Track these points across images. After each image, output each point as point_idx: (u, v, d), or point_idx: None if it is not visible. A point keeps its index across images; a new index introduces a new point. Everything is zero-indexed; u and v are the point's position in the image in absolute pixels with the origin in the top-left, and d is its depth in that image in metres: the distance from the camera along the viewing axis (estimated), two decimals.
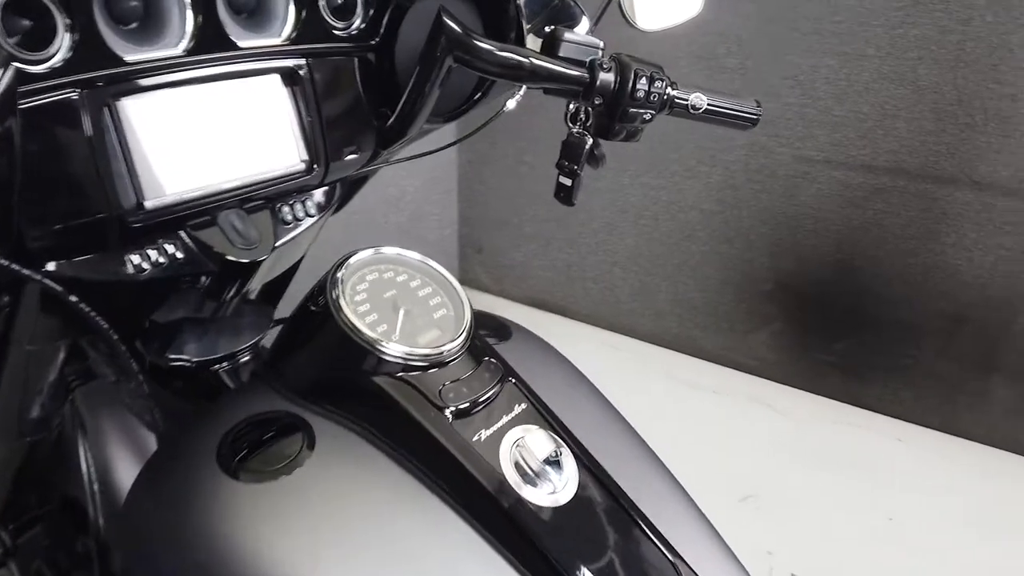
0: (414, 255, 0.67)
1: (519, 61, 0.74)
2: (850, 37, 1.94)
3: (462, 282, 2.99)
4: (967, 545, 1.74)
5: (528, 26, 0.99)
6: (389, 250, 0.65)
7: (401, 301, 0.61)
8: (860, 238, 2.10)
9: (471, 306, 0.65)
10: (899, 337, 2.14)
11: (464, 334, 0.62)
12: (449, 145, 0.94)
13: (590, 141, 0.87)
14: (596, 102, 0.81)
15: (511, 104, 0.93)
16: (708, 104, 0.85)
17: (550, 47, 0.79)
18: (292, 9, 0.71)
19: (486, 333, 0.70)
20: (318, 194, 0.80)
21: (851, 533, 1.77)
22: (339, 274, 0.60)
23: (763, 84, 2.09)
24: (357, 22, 0.75)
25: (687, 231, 2.38)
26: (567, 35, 0.79)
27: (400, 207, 2.68)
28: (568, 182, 0.89)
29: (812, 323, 2.28)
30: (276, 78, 0.71)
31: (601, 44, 0.81)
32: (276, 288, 0.92)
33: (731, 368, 2.43)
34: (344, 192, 0.94)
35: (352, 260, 0.63)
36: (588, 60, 0.80)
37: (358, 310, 0.58)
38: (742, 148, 2.20)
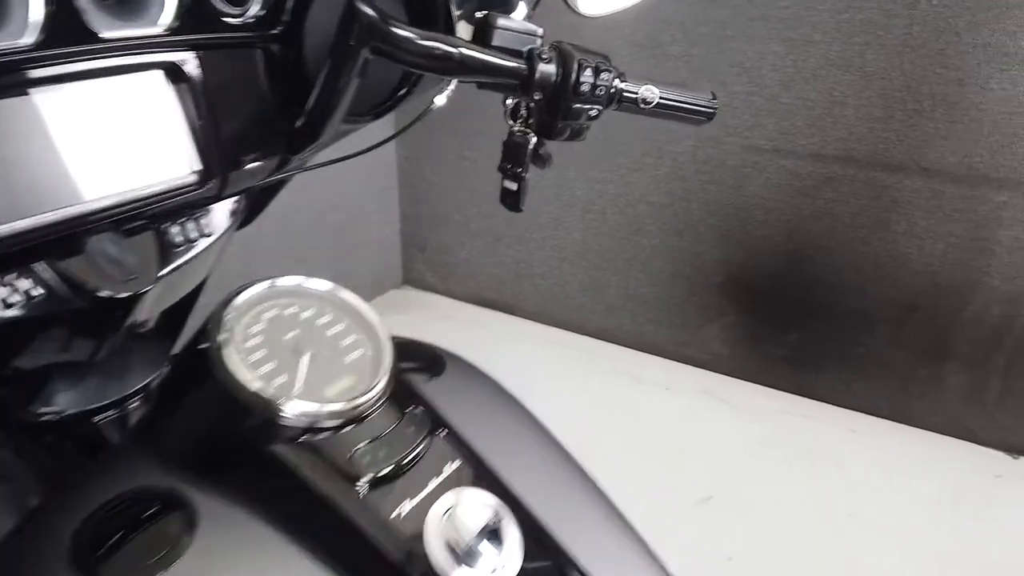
0: (322, 284, 0.57)
1: (447, 51, 0.64)
2: (796, 22, 1.89)
3: (406, 282, 2.89)
4: (929, 538, 1.72)
5: (458, 12, 0.89)
6: (289, 280, 0.55)
7: (305, 343, 0.51)
8: (811, 228, 2.06)
9: (392, 342, 0.55)
10: (851, 327, 2.10)
11: (383, 379, 0.52)
12: (368, 149, 0.84)
13: (533, 140, 0.78)
14: (536, 97, 0.72)
15: (440, 100, 0.84)
16: (660, 98, 0.77)
17: (482, 35, 0.70)
18: None
19: (413, 369, 0.60)
20: (217, 209, 0.69)
21: (812, 532, 1.73)
22: (225, 316, 0.49)
23: (709, 72, 2.03)
24: (254, 8, 0.64)
25: (636, 225, 2.31)
26: (501, 21, 0.70)
27: (338, 205, 2.55)
28: (514, 186, 0.80)
29: (764, 315, 2.23)
30: (157, 75, 0.60)
31: (540, 31, 0.72)
32: (178, 315, 0.81)
33: (684, 363, 2.38)
34: (251, 204, 0.83)
35: (242, 297, 0.52)
36: (526, 50, 0.71)
37: (250, 359, 0.48)
38: (689, 139, 2.13)
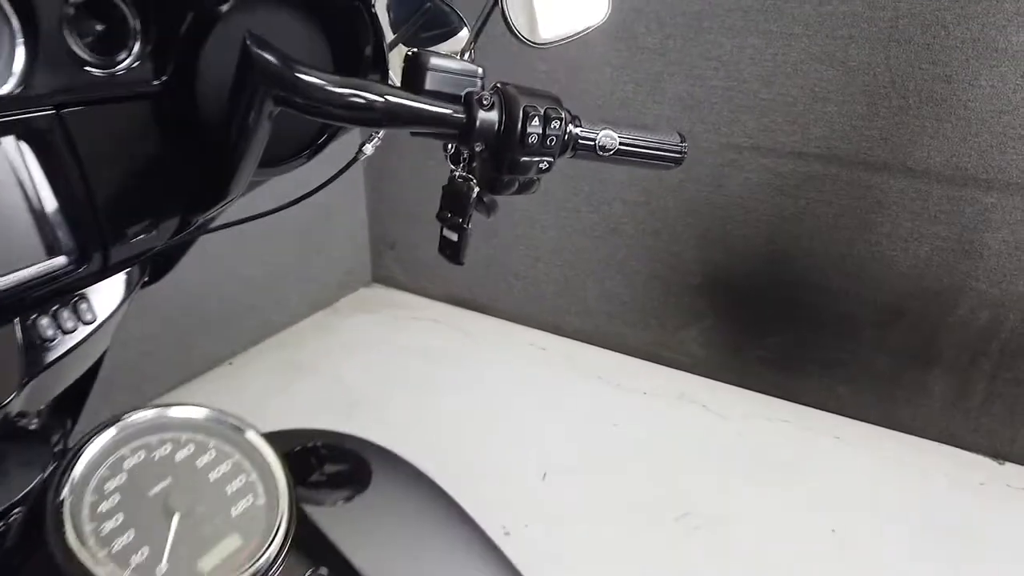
0: (199, 412, 0.47)
1: (367, 101, 0.55)
2: (776, 14, 1.79)
3: (375, 280, 2.79)
4: (913, 557, 1.66)
5: (392, 37, 0.79)
6: (155, 413, 0.45)
7: (178, 497, 0.41)
8: (792, 228, 1.98)
9: (291, 482, 0.45)
10: (834, 330, 2.03)
11: (279, 536, 0.42)
12: (286, 206, 0.75)
13: (476, 190, 0.69)
14: (477, 148, 0.63)
15: (368, 149, 0.74)
16: (620, 144, 0.68)
17: (413, 78, 0.60)
18: (21, 45, 0.49)
19: (325, 498, 0.51)
20: (104, 287, 0.60)
21: (795, 552, 1.66)
22: (71, 475, 0.40)
23: (685, 65, 1.93)
24: (127, 59, 0.54)
25: (611, 223, 2.22)
26: (435, 61, 0.60)
27: (305, 203, 2.44)
28: (454, 236, 0.71)
29: (744, 317, 2.16)
30: (8, 141, 0.50)
31: (480, 72, 0.62)
32: (74, 398, 0.72)
33: (662, 365, 2.31)
34: (156, 267, 0.73)
35: (96, 445, 0.42)
36: (463, 94, 0.62)
37: (101, 531, 0.38)
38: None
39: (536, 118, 0.61)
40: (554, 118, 0.62)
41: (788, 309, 2.07)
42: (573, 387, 2.22)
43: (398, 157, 2.49)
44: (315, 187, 0.75)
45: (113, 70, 0.53)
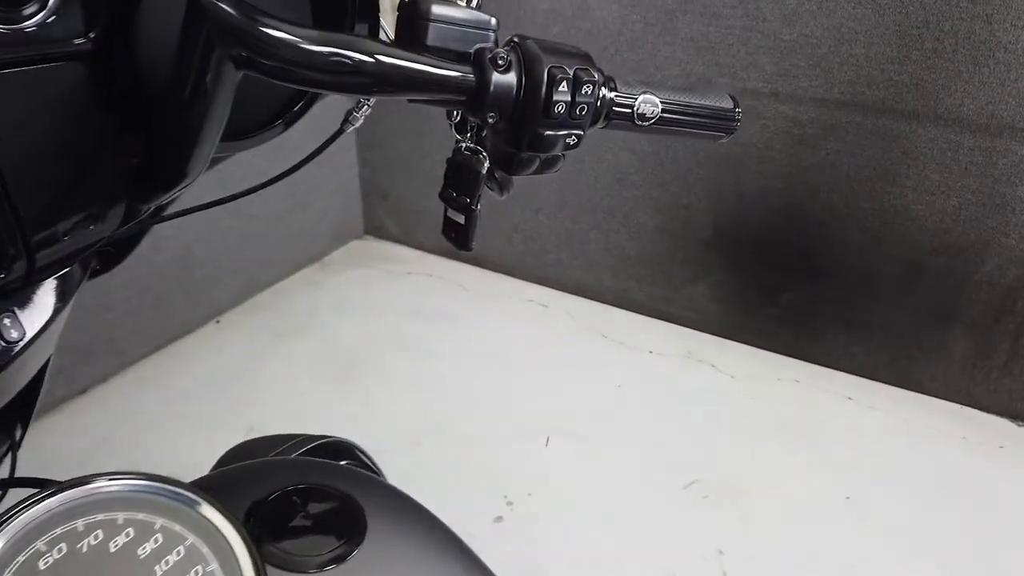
0: (138, 483, 0.36)
1: (354, 62, 0.43)
2: None
3: (368, 232, 2.67)
4: (928, 526, 1.59)
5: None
6: (80, 491, 0.34)
7: None
8: (811, 180, 1.86)
9: (261, 568, 0.35)
10: (851, 287, 1.94)
11: None
12: (254, 189, 0.63)
13: (487, 164, 0.58)
14: (490, 118, 0.51)
15: (356, 119, 0.62)
16: (664, 110, 0.56)
17: (411, 32, 0.48)
18: None
19: (307, 566, 0.41)
20: (37, 293, 0.49)
21: (807, 519, 1.60)
22: None
23: (700, 3, 1.78)
24: (38, 11, 0.42)
25: (617, 174, 2.09)
26: (436, 10, 0.47)
27: (288, 147, 2.30)
28: (460, 219, 0.60)
29: (756, 273, 2.06)
30: None
31: (493, 23, 0.50)
32: (17, 413, 0.61)
33: (669, 322, 2.21)
34: (107, 257, 0.62)
35: (5, 535, 0.32)
36: (473, 51, 0.49)
37: None
38: (678, 79, 1.89)
39: (564, 82, 0.49)
40: (585, 81, 0.50)
41: (803, 265, 1.97)
42: (575, 345, 2.13)
43: (390, 100, 2.34)
44: (289, 167, 0.63)
45: (20, 25, 0.41)
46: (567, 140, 0.52)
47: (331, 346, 2.09)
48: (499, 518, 1.58)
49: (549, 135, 0.51)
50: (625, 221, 2.15)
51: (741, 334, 2.12)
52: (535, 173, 0.54)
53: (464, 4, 0.49)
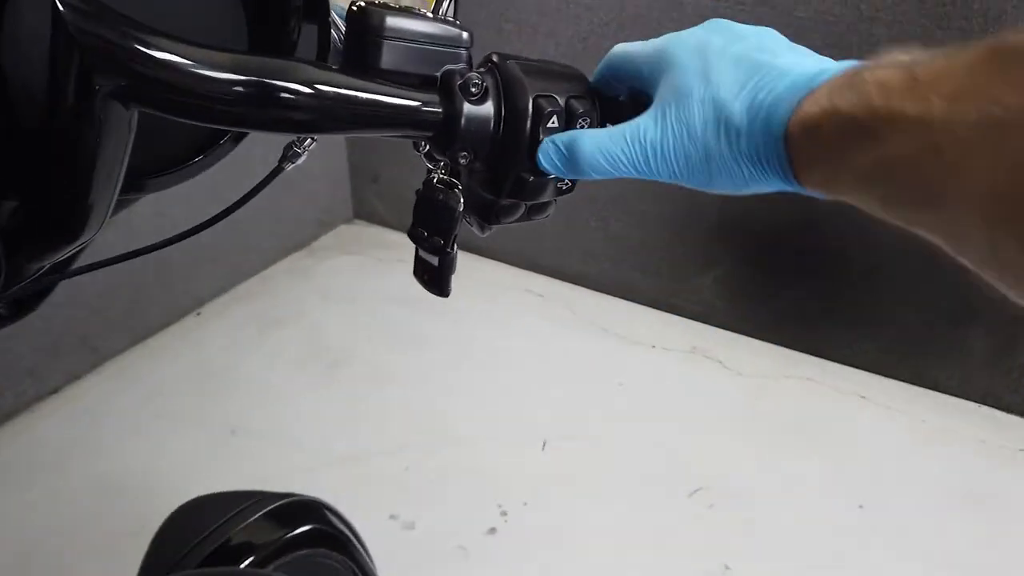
0: None
1: (282, 93, 0.33)
2: None
3: (357, 216, 2.56)
4: (948, 531, 1.51)
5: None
6: None
7: None
8: None
9: None
10: (865, 280, 1.83)
11: None
12: (179, 238, 0.52)
13: (463, 203, 0.47)
14: (462, 159, 0.40)
15: (299, 155, 0.52)
16: None
17: (361, 50, 0.37)
18: None
19: None
20: None
21: (819, 530, 1.51)
22: None
23: None
24: None
25: None
26: (393, 22, 0.36)
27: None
28: (434, 260, 0.49)
29: (765, 265, 1.95)
30: None
31: (465, 38, 0.39)
32: None
33: (673, 314, 2.11)
34: (15, 306, 0.52)
35: None
36: (440, 74, 0.39)
37: None
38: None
39: (555, 116, 0.38)
40: (581, 113, 0.40)
41: (814, 257, 1.87)
42: (574, 340, 2.03)
43: None
44: (214, 215, 0.52)
45: None
46: (559, 184, 0.42)
47: (318, 339, 1.99)
48: (492, 530, 1.49)
49: (535, 181, 0.40)
50: (628, 209, 2.04)
51: (749, 328, 2.02)
52: (520, 221, 0.44)
53: (428, 13, 0.38)
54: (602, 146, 0.39)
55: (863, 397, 1.85)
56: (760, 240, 1.92)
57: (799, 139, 0.36)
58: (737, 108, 0.37)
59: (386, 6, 0.37)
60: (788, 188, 0.39)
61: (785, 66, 0.38)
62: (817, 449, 1.70)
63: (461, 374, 1.88)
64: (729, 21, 0.42)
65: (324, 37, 0.48)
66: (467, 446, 1.69)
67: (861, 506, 1.57)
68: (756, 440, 1.73)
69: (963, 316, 1.76)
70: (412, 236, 0.49)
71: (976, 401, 1.82)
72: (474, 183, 0.43)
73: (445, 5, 0.43)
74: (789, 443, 1.72)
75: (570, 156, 0.39)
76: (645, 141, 0.39)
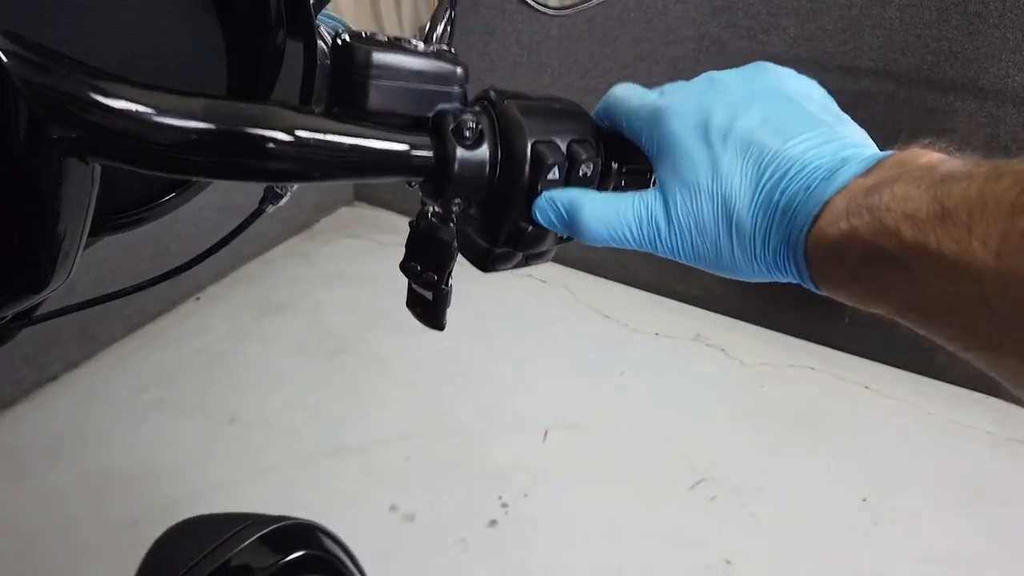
0: None
1: (251, 146, 0.30)
2: None
3: (358, 198, 2.53)
4: (954, 527, 1.50)
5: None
6: None
7: None
8: None
9: None
10: None
11: None
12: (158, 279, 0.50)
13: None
14: (455, 207, 0.38)
15: (281, 197, 0.49)
16: None
17: (346, 90, 0.35)
18: None
19: None
20: None
21: (821, 525, 1.50)
22: None
23: None
24: None
25: None
26: (380, 57, 0.34)
27: None
28: (428, 295, 0.47)
29: None
30: None
31: (459, 72, 0.37)
32: None
33: (676, 300, 2.09)
34: None
35: None
36: (432, 114, 0.36)
37: None
38: (691, 41, 1.73)
39: (556, 168, 0.36)
40: (584, 160, 0.37)
41: None
42: (576, 327, 2.01)
43: None
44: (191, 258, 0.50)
45: None
46: (560, 234, 0.39)
47: (318, 324, 1.98)
48: (493, 522, 1.49)
49: (534, 230, 0.38)
50: None
51: (753, 315, 2.00)
52: (516, 267, 0.42)
53: (419, 45, 0.35)
54: (606, 220, 0.37)
55: (867, 387, 1.83)
56: None
57: (818, 256, 0.33)
58: (749, 212, 0.34)
59: (373, 39, 0.34)
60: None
61: (798, 155, 0.34)
62: (820, 441, 1.69)
63: (462, 361, 1.87)
64: (725, 73, 0.38)
65: (311, 56, 0.45)
66: (468, 436, 1.68)
67: (864, 499, 1.56)
68: (759, 431, 1.71)
69: None
70: (404, 270, 0.46)
71: (984, 392, 1.80)
72: (470, 228, 0.40)
73: (440, 30, 0.40)
74: (792, 435, 1.70)
75: (570, 219, 0.37)
76: (653, 226, 0.36)
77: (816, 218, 0.32)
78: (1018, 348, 0.27)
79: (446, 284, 0.45)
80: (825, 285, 0.34)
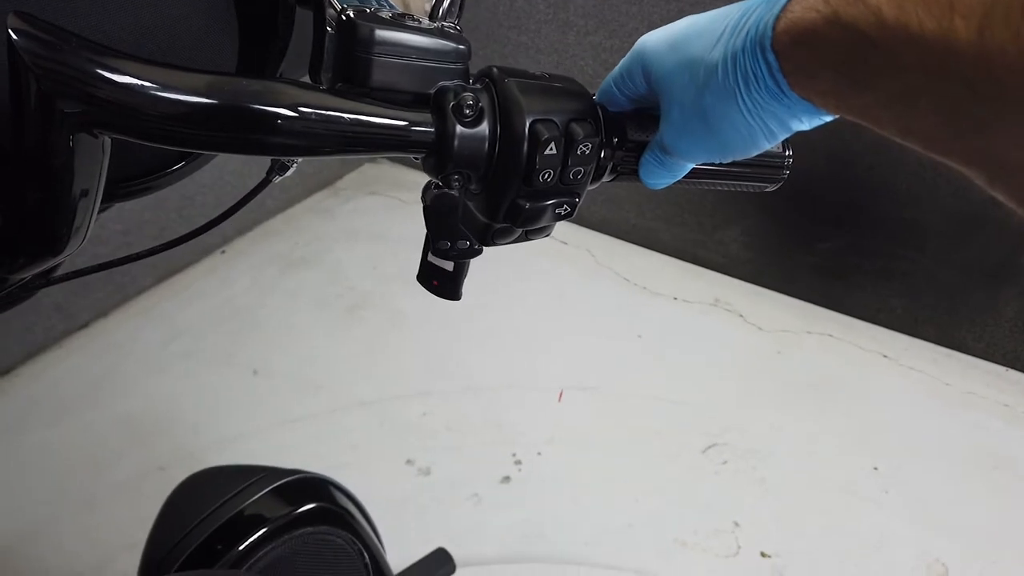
0: None
1: (260, 116, 0.31)
2: None
3: (370, 177, 2.52)
4: (966, 498, 1.50)
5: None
6: None
7: None
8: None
9: None
10: (898, 238, 1.78)
11: None
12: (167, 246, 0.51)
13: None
14: (455, 182, 0.39)
15: (289, 171, 0.50)
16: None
17: (349, 66, 0.35)
18: None
19: None
20: None
21: (831, 491, 1.52)
22: None
23: None
24: None
25: None
26: (382, 34, 0.35)
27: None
28: (448, 266, 0.48)
29: (795, 219, 1.91)
30: None
31: (463, 50, 0.37)
32: None
33: (696, 265, 2.08)
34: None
35: None
36: (434, 91, 0.37)
37: None
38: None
39: (552, 142, 0.36)
40: (582, 139, 0.38)
41: (846, 212, 1.82)
42: (596, 288, 2.02)
43: None
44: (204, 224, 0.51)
45: None
46: (557, 211, 0.40)
47: (340, 280, 2.00)
48: (506, 478, 1.52)
49: (532, 207, 0.38)
50: None
51: (773, 281, 1.99)
52: (517, 242, 0.42)
53: (422, 22, 0.35)
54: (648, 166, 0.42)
55: (885, 356, 1.83)
56: (791, 195, 1.87)
57: (789, 48, 0.31)
58: (715, 53, 0.35)
59: (376, 16, 0.35)
60: (796, 123, 0.35)
61: None
62: (835, 408, 1.69)
63: (480, 320, 1.89)
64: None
65: (320, 25, 0.45)
66: (485, 393, 1.70)
67: (876, 468, 1.57)
68: (774, 397, 1.72)
69: (996, 278, 1.71)
70: (437, 253, 0.46)
71: (1003, 364, 1.79)
72: (471, 202, 0.41)
73: (446, 5, 0.40)
74: (807, 401, 1.71)
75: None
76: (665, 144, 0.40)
77: (784, 7, 0.31)
78: (1000, 140, 0.26)
79: (479, 246, 0.45)
80: (800, 82, 0.32)
